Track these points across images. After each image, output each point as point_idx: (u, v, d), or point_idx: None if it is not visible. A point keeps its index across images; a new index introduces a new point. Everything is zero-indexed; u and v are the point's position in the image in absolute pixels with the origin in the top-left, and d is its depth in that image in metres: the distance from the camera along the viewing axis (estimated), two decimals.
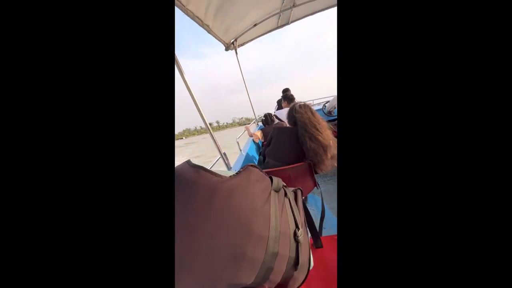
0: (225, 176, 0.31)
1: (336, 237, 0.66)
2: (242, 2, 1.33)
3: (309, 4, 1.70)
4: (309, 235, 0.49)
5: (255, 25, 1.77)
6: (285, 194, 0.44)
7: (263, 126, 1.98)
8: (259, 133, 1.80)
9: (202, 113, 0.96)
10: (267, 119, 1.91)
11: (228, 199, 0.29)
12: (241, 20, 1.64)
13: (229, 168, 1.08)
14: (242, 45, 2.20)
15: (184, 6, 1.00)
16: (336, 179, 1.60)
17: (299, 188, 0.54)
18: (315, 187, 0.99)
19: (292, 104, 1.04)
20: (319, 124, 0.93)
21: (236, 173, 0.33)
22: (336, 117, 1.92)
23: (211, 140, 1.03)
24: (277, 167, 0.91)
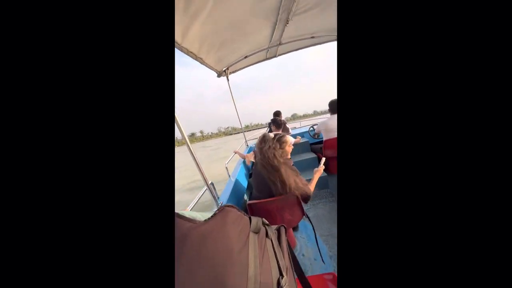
0: (199, 221, 0.30)
1: (325, 277, 0.66)
2: (236, 40, 1.47)
3: (292, 43, 1.93)
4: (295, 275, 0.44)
5: (245, 57, 1.94)
6: (267, 234, 0.41)
7: (254, 148, 1.99)
8: (251, 156, 1.80)
9: (179, 123, 0.84)
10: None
11: (199, 248, 0.27)
12: (234, 53, 1.78)
13: (217, 199, 1.05)
14: (233, 72, 2.35)
15: (179, 44, 1.07)
16: (325, 203, 1.62)
17: (282, 225, 0.50)
18: (304, 216, 0.99)
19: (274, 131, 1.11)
20: (273, 164, 0.91)
21: (212, 216, 0.31)
22: (322, 139, 2.02)
23: (190, 156, 0.90)
24: (260, 199, 0.92)
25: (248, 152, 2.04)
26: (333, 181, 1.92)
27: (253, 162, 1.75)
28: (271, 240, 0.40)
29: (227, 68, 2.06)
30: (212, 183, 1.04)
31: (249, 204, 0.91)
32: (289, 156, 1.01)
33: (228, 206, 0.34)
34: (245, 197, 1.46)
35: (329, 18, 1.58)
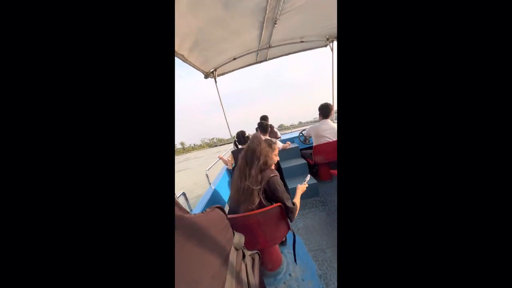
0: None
1: None
2: (222, 39, 1.40)
3: (282, 47, 1.90)
4: None
5: (234, 58, 1.87)
6: (243, 256, 0.39)
7: (234, 149, 1.79)
8: (229, 157, 1.59)
9: None
10: (239, 139, 1.67)
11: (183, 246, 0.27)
12: (222, 54, 1.71)
13: (190, 211, 0.91)
14: (222, 74, 2.27)
15: None
16: (315, 212, 1.53)
17: (257, 252, 0.48)
18: (289, 231, 0.88)
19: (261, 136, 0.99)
20: (251, 168, 0.79)
21: (202, 212, 0.32)
22: (312, 145, 1.95)
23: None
24: (237, 213, 0.77)
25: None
26: (323, 188, 1.84)
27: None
28: (246, 266, 0.37)
29: (215, 70, 1.97)
30: (183, 193, 0.91)
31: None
32: (273, 167, 0.88)
33: (218, 207, 0.35)
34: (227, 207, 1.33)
35: (318, 23, 1.57)
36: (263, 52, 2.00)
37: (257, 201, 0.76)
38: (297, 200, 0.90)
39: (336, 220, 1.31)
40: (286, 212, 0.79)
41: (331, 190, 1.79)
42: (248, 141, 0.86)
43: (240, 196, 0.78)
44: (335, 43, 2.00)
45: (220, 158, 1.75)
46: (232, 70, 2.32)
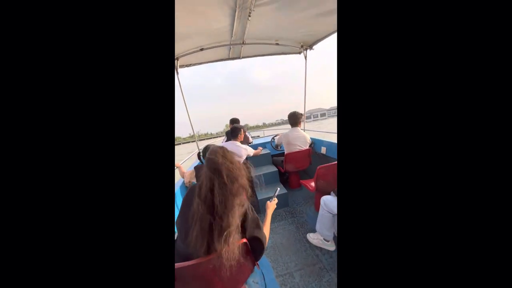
0: None
1: None
2: (186, 22, 1.14)
3: (256, 47, 1.76)
4: None
5: (201, 49, 1.60)
6: None
7: (198, 163, 1.53)
8: (188, 173, 1.32)
9: None
10: (205, 152, 1.36)
11: None
12: (186, 41, 1.42)
13: None
14: (186, 66, 1.95)
15: None
16: (284, 226, 1.44)
17: None
18: (256, 267, 0.71)
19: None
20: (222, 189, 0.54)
21: None
22: (283, 151, 1.88)
23: None
24: (188, 260, 0.53)
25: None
26: (293, 197, 1.80)
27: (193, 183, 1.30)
28: None
29: (177, 58, 1.65)
30: None
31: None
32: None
33: None
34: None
35: (293, 27, 1.50)
36: (236, 48, 1.81)
37: (238, 238, 0.54)
38: (266, 228, 0.74)
39: (305, 236, 1.25)
40: (254, 249, 0.62)
41: (300, 199, 1.76)
42: (214, 166, 0.57)
43: (206, 235, 0.53)
44: (309, 51, 2.00)
45: (177, 167, 1.42)
46: (201, 63, 2.02)
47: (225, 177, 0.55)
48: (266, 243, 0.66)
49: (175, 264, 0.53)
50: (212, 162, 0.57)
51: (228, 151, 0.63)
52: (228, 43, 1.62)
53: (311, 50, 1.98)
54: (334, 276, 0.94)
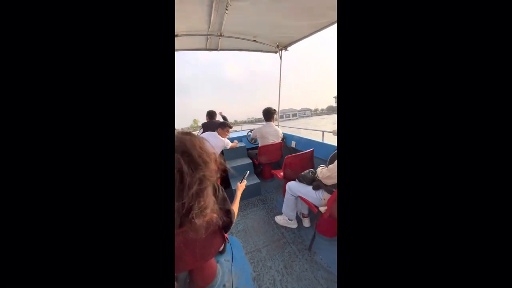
0: None
1: None
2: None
3: (234, 40, 1.79)
4: None
5: (176, 35, 1.54)
6: None
7: None
8: None
9: None
10: None
11: None
12: None
13: None
14: None
15: None
16: (256, 211, 1.56)
17: None
18: (226, 242, 0.80)
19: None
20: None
21: None
22: (257, 145, 2.00)
23: None
24: None
25: None
26: (265, 187, 1.94)
27: None
28: None
29: None
30: None
31: None
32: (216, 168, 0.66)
33: None
34: None
35: (270, 27, 1.59)
36: (214, 39, 1.79)
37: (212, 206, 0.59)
38: (235, 205, 0.83)
39: (273, 218, 1.40)
40: (223, 223, 0.70)
41: (271, 189, 1.92)
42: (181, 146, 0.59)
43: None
44: (284, 52, 2.13)
45: None
46: (176, 50, 1.93)
47: (193, 156, 0.57)
48: (235, 217, 0.75)
49: None
50: (180, 144, 0.58)
51: (196, 136, 0.65)
52: (206, 33, 1.61)
53: (286, 51, 2.12)
54: (294, 248, 1.11)
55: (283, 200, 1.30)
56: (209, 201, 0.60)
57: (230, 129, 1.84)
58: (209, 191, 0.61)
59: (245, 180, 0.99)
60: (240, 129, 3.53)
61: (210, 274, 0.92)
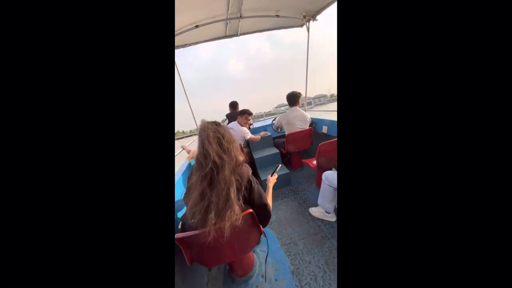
0: None
1: None
2: None
3: (254, 19, 1.64)
4: None
5: (196, 26, 1.50)
6: None
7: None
8: (193, 151, 1.32)
9: None
10: None
11: None
12: (179, 17, 1.32)
13: None
14: (182, 46, 1.85)
15: None
16: (287, 202, 1.51)
17: None
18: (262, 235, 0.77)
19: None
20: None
21: None
22: (284, 133, 1.88)
23: None
24: (194, 226, 0.58)
25: None
26: (295, 177, 1.85)
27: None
28: None
29: None
30: None
31: (179, 239, 0.58)
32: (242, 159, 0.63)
33: None
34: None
35: None
36: (233, 23, 1.69)
37: (238, 210, 0.55)
38: (269, 198, 0.77)
39: (307, 210, 1.32)
40: (261, 217, 0.66)
41: (302, 179, 1.81)
42: (204, 133, 0.58)
43: (206, 206, 0.55)
44: (312, 22, 1.87)
45: (183, 148, 1.46)
46: (196, 43, 1.92)
47: (217, 149, 0.55)
48: (271, 207, 0.70)
49: (184, 233, 0.57)
50: (204, 137, 0.57)
51: (220, 124, 0.62)
52: (225, 17, 1.51)
53: (315, 21, 1.84)
54: (334, 242, 1.02)
55: (316, 191, 1.19)
56: (233, 195, 0.56)
57: (250, 116, 1.76)
58: (233, 184, 0.56)
59: (276, 174, 0.93)
60: (263, 118, 3.44)
61: (248, 264, 0.92)
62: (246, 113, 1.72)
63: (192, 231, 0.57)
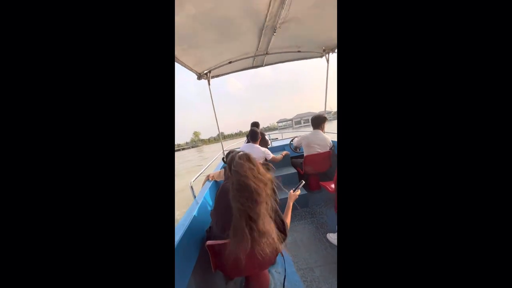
0: None
1: None
2: (219, 42, 1.33)
3: (278, 55, 1.88)
4: None
5: (230, 62, 1.80)
6: None
7: (225, 165, 1.64)
8: (217, 174, 1.42)
9: None
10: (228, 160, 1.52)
11: None
12: (216, 57, 1.63)
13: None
14: (216, 76, 2.19)
15: None
16: (304, 225, 1.50)
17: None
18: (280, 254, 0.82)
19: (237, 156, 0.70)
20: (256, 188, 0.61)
21: None
22: (302, 153, 1.94)
23: None
24: (222, 240, 0.69)
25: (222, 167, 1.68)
26: (313, 199, 1.83)
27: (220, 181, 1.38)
28: None
29: (209, 71, 1.88)
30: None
31: (209, 246, 0.70)
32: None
33: None
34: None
35: (316, 34, 1.58)
36: (259, 58, 1.96)
37: (276, 237, 0.64)
38: (288, 216, 0.84)
39: (324, 235, 1.30)
40: (280, 230, 0.73)
41: (320, 201, 1.79)
42: (241, 169, 0.65)
43: (243, 228, 0.63)
44: (332, 54, 2.03)
45: (210, 179, 1.46)
46: (228, 73, 2.24)
47: (253, 191, 0.62)
48: (288, 228, 0.77)
49: (217, 241, 0.68)
50: (239, 177, 0.64)
51: (251, 159, 0.70)
52: (253, 54, 1.79)
53: (334, 53, 2.01)
54: None
55: (334, 216, 1.18)
56: (267, 225, 0.64)
57: (263, 134, 1.78)
58: (266, 215, 0.64)
59: (299, 190, 0.96)
60: (281, 138, 3.54)
61: (264, 283, 0.96)
62: (261, 134, 1.75)
63: (223, 240, 0.68)
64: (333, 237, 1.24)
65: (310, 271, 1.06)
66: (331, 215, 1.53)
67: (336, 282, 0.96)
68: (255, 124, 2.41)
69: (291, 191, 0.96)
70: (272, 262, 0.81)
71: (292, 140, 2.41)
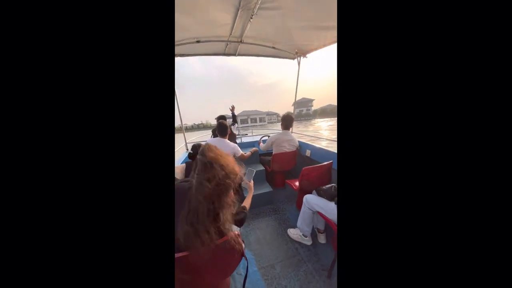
0: None
1: None
2: (182, 13, 1.10)
3: (252, 46, 1.79)
4: None
5: (198, 41, 1.57)
6: None
7: (188, 160, 1.40)
8: (181, 168, 1.24)
9: None
10: (195, 151, 1.31)
11: None
12: (180, 31, 1.38)
13: None
14: (181, 55, 1.88)
15: None
16: (267, 221, 1.51)
17: None
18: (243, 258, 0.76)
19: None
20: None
21: None
22: (271, 151, 1.95)
23: None
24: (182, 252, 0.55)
25: (183, 162, 1.49)
26: (277, 195, 1.89)
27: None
28: None
29: None
30: None
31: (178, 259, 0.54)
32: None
33: None
34: None
35: (291, 34, 1.58)
36: (233, 45, 1.81)
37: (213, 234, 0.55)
38: (249, 198, 0.89)
39: (286, 231, 1.34)
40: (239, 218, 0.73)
41: (283, 198, 1.86)
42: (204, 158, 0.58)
43: (200, 230, 0.53)
44: (302, 58, 2.11)
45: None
46: (195, 54, 1.97)
47: (220, 178, 0.56)
48: (248, 209, 0.80)
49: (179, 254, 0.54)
50: (206, 167, 0.57)
51: (218, 149, 0.63)
52: (226, 39, 1.62)
53: (305, 58, 2.09)
54: (310, 267, 1.05)
55: (296, 211, 1.24)
56: (227, 217, 0.59)
57: (231, 129, 1.73)
58: (229, 208, 0.59)
59: (252, 182, 1.02)
60: (251, 134, 3.51)
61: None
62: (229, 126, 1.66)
63: (183, 252, 0.54)
64: (293, 232, 1.29)
65: (271, 268, 1.06)
66: (293, 211, 1.60)
67: (295, 277, 0.99)
68: (222, 117, 2.25)
69: (248, 182, 1.01)
70: (235, 267, 0.73)
71: (262, 138, 2.40)
